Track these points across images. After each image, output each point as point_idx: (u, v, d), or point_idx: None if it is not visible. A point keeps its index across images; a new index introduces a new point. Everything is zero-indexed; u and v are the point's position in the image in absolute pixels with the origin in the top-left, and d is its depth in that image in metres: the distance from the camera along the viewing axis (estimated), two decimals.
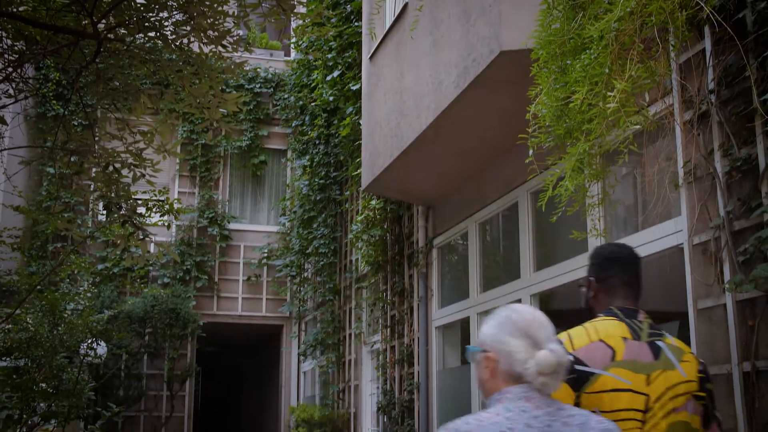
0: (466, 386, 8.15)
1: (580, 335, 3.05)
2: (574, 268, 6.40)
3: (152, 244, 5.83)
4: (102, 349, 11.37)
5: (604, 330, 3.05)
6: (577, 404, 2.84)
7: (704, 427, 3.10)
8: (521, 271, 7.28)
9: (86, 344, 7.33)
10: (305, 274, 14.52)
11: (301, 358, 14.82)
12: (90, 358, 8.02)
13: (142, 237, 5.53)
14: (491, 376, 2.52)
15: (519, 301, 7.22)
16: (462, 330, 8.86)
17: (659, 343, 3.08)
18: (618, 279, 3.28)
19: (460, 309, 8.48)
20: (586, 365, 2.93)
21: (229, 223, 16.25)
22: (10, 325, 6.52)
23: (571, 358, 2.79)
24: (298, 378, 15.45)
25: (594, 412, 2.69)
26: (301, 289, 14.64)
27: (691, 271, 5.02)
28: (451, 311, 8.71)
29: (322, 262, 12.88)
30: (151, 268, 15.46)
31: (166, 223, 6.14)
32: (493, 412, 2.38)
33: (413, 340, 9.41)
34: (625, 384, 2.90)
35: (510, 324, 2.55)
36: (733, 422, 4.59)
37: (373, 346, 11.14)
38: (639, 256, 3.41)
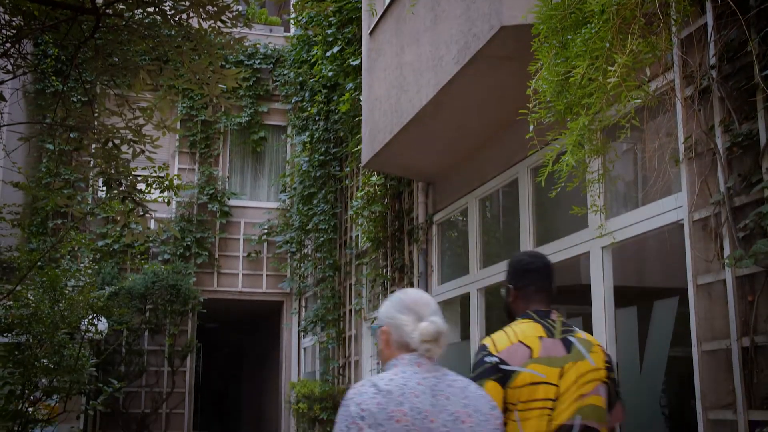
0: (465, 361, 8.18)
1: (502, 339, 3.58)
2: (574, 244, 6.41)
3: (152, 221, 5.82)
4: (103, 325, 11.40)
5: (522, 332, 3.59)
6: (504, 399, 3.40)
7: (609, 408, 3.65)
8: (521, 247, 7.28)
9: (87, 320, 7.34)
10: (305, 251, 14.53)
11: (302, 334, 14.86)
12: (91, 334, 8.04)
13: (142, 213, 5.52)
14: (386, 346, 3.05)
15: None
16: (462, 306, 8.88)
17: (571, 338, 3.63)
18: (533, 286, 3.84)
19: (460, 285, 8.50)
20: (508, 364, 3.46)
21: (229, 199, 16.25)
22: (11, 302, 6.53)
23: (495, 359, 3.46)
24: (299, 354, 15.50)
25: (515, 404, 3.40)
26: (302, 265, 14.66)
27: (691, 247, 5.03)
28: (451, 287, 8.72)
29: (322, 239, 12.88)
30: (151, 244, 15.47)
31: (166, 200, 6.13)
32: (391, 373, 2.89)
33: None
34: (540, 378, 3.44)
35: (399, 303, 3.11)
36: (732, 397, 4.62)
37: (373, 322, 11.17)
38: (551, 264, 4.03)
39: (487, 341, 3.60)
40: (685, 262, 5.09)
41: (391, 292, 10.04)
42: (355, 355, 11.76)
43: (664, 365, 5.36)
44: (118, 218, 5.59)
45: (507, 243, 8.03)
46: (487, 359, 3.50)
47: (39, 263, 6.42)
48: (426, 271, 9.23)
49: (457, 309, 9.03)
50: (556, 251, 6.70)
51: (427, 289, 9.15)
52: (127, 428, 14.72)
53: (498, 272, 7.69)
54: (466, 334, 8.63)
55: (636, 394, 5.58)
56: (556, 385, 3.46)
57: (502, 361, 3.47)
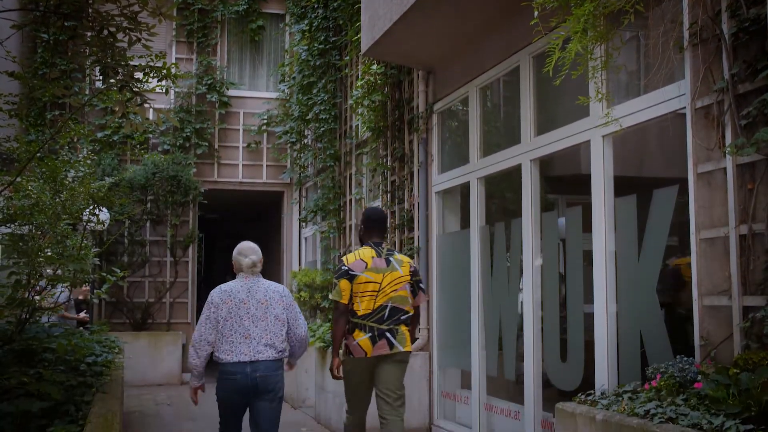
0: (465, 250, 8.27)
1: (351, 257, 6.37)
2: (574, 133, 6.38)
3: (151, 111, 5.77)
4: (104, 215, 11.47)
5: (362, 253, 6.37)
6: (351, 289, 6.21)
7: (413, 296, 6.43)
8: (522, 136, 7.26)
9: (88, 211, 7.37)
10: (305, 141, 14.48)
11: (302, 224, 14.96)
12: (93, 225, 8.09)
13: (140, 102, 5.47)
14: (236, 270, 5.94)
15: (519, 166, 7.23)
16: (462, 195, 8.91)
17: (390, 258, 6.39)
18: (374, 227, 6.54)
19: (460, 174, 8.51)
20: (353, 271, 6.24)
21: (227, 89, 16.11)
22: (11, 194, 6.55)
23: (346, 268, 6.25)
24: (300, 243, 15.65)
25: (356, 293, 6.20)
26: (302, 155, 14.63)
27: (693, 135, 5.01)
28: (451, 176, 8.73)
29: (322, 128, 12.82)
30: (150, 135, 15.42)
31: (164, 89, 6.06)
32: (232, 282, 5.83)
33: (413, 205, 9.48)
34: (370, 279, 6.23)
35: (237, 249, 6.00)
36: (727, 284, 4.68)
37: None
38: (385, 215, 6.71)
39: (344, 258, 6.39)
40: (686, 151, 5.08)
41: (392, 181, 10.07)
42: (356, 245, 11.87)
43: (661, 254, 5.41)
44: (117, 108, 5.54)
45: (507, 132, 8.00)
46: (343, 268, 6.31)
47: (38, 154, 6.40)
48: (426, 161, 9.22)
49: (457, 198, 9.07)
50: (557, 140, 6.68)
51: (426, 178, 9.16)
52: (131, 317, 15.00)
53: (498, 161, 7.69)
54: (465, 223, 8.69)
55: (633, 283, 5.65)
56: (379, 283, 6.26)
57: (350, 269, 6.27)
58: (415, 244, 9.35)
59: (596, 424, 4.65)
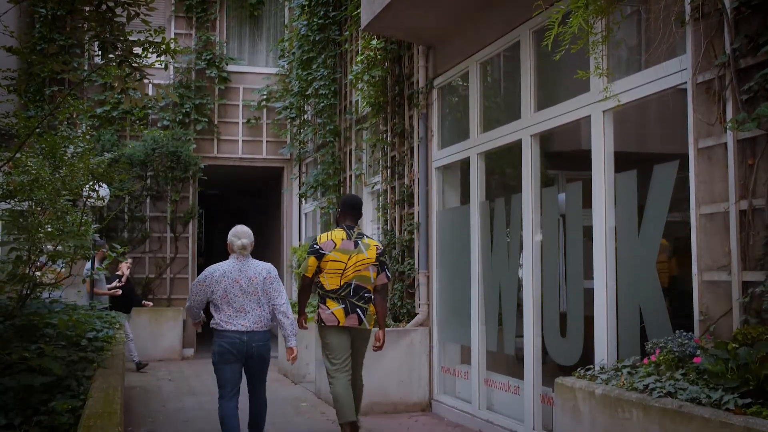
0: (465, 225, 8.27)
1: (323, 237, 7.09)
2: (575, 108, 6.36)
3: (150, 86, 5.75)
4: (104, 191, 11.47)
5: (334, 234, 7.08)
6: (318, 266, 6.99)
7: (378, 276, 7.11)
8: (522, 111, 7.24)
9: (88, 186, 7.36)
10: (305, 116, 14.45)
11: (302, 199, 14.96)
12: (92, 201, 8.08)
13: (139, 78, 5.45)
14: (229, 250, 6.61)
15: (519, 141, 7.21)
16: (462, 171, 8.90)
17: (359, 241, 7.06)
18: (349, 212, 7.23)
19: (460, 150, 8.50)
20: (323, 250, 6.97)
21: (227, 65, 16.04)
22: (11, 170, 6.54)
23: (317, 247, 6.98)
24: (300, 219, 15.65)
25: (324, 270, 6.96)
26: (301, 131, 14.60)
27: (693, 110, 5.00)
28: (451, 152, 8.72)
29: (322, 104, 12.79)
30: (150, 110, 15.37)
31: (163, 64, 6.04)
32: (226, 262, 6.50)
33: (413, 180, 9.47)
34: (337, 258, 6.96)
35: (231, 232, 6.61)
36: (727, 259, 4.69)
37: (373, 187, 11.23)
38: (360, 201, 7.41)
39: (317, 238, 7.14)
40: (687, 127, 5.07)
41: (392, 157, 10.05)
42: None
43: (661, 230, 5.41)
44: (116, 84, 5.52)
45: (508, 107, 7.97)
46: (314, 246, 7.08)
47: (38, 130, 6.38)
48: (426, 136, 9.20)
49: (457, 174, 9.06)
50: (557, 115, 6.66)
51: (426, 153, 9.15)
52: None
53: (499, 137, 7.67)
54: (465, 199, 8.69)
55: (632, 258, 5.66)
56: (345, 263, 6.99)
57: (321, 248, 7.02)
58: (415, 219, 9.35)
59: (595, 398, 4.67)
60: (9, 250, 6.25)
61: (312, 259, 7.00)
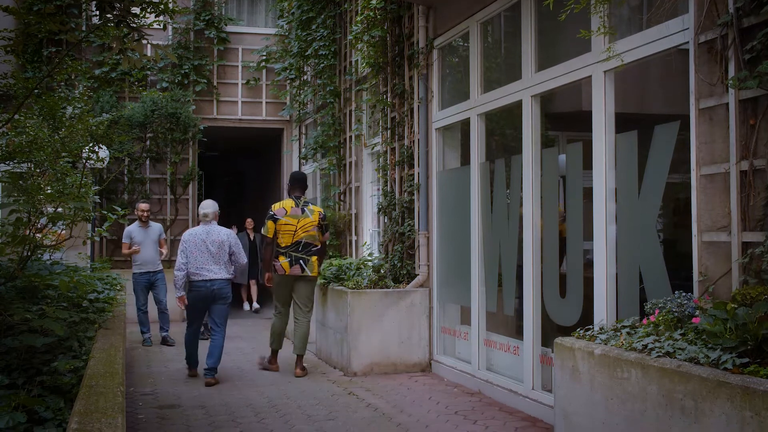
0: (465, 187, 8.26)
1: (276, 205, 9.14)
2: (576, 68, 6.33)
3: (149, 47, 5.71)
4: (104, 152, 11.44)
5: (285, 203, 9.10)
6: (275, 228, 9.01)
7: (322, 234, 9.19)
8: (522, 72, 7.20)
9: (87, 148, 7.34)
10: (305, 77, 14.37)
11: (302, 161, 14.93)
12: (92, 163, 8.06)
13: (137, 38, 5.40)
14: (201, 221, 8.92)
15: (519, 102, 7.18)
16: (462, 131, 8.88)
17: (305, 208, 9.06)
18: (296, 185, 9.25)
19: (460, 110, 8.46)
20: (277, 216, 8.99)
21: (226, 25, 15.92)
22: (9, 131, 6.51)
23: (272, 213, 9.07)
24: None
25: (279, 231, 9.03)
26: (301, 92, 14.53)
27: (695, 70, 4.97)
28: (451, 113, 8.69)
29: (321, 65, 12.71)
30: (148, 72, 15.29)
31: (161, 24, 5.98)
32: (198, 227, 8.88)
33: (413, 141, 9.45)
34: (288, 222, 8.99)
35: (200, 204, 8.98)
36: (727, 220, 4.69)
37: (373, 148, 11.20)
38: (305, 176, 9.51)
39: (272, 206, 9.12)
40: (688, 87, 5.04)
41: (392, 118, 10.02)
42: (356, 182, 11.87)
43: (662, 190, 5.41)
44: (114, 44, 5.47)
45: (508, 68, 7.93)
46: (270, 212, 9.07)
47: (36, 91, 6.34)
48: (426, 97, 9.16)
49: (457, 135, 9.04)
50: (558, 75, 6.62)
51: (426, 114, 9.12)
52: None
53: (499, 97, 7.64)
54: (465, 160, 8.67)
55: (632, 219, 5.66)
56: (294, 225, 8.95)
57: (275, 214, 8.99)
58: (415, 180, 9.34)
59: (595, 358, 4.70)
60: (9, 212, 6.24)
61: (270, 223, 9.05)
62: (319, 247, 9.18)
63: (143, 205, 11.93)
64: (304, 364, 9.13)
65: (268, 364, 9.38)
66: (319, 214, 9.17)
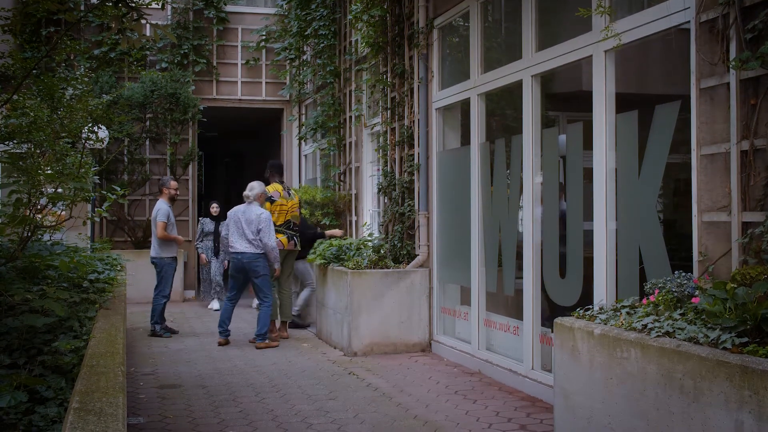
0: (466, 167, 8.25)
1: (272, 188, 10.39)
2: (576, 48, 6.30)
3: (148, 27, 5.68)
4: (103, 133, 11.41)
5: (276, 187, 10.46)
6: (271, 208, 10.14)
7: (300, 212, 10.86)
8: (522, 52, 7.17)
9: (87, 128, 7.32)
10: (304, 57, 14.32)
11: (302, 141, 14.91)
12: (92, 143, 8.04)
13: (136, 18, 5.38)
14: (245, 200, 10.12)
15: (520, 82, 7.17)
16: (462, 111, 8.86)
17: (290, 192, 10.61)
18: (275, 172, 10.81)
19: (460, 90, 8.44)
20: (273, 198, 10.29)
21: (225, 5, 15.84)
22: (8, 112, 6.49)
23: (269, 194, 10.26)
24: (299, 161, 15.62)
25: (275, 211, 10.19)
26: (301, 72, 14.49)
27: (696, 50, 4.95)
28: (451, 93, 8.67)
29: (321, 45, 12.66)
30: (148, 52, 15.24)
31: (160, 4, 5.96)
32: (240, 205, 10.04)
33: (413, 121, 9.43)
34: (282, 203, 10.35)
35: (248, 185, 10.13)
36: (727, 200, 4.69)
37: (373, 128, 11.19)
38: (282, 163, 12.07)
39: (267, 188, 10.22)
40: (689, 67, 5.03)
41: (392, 98, 9.99)
42: (356, 162, 11.86)
43: (662, 171, 5.40)
44: (113, 24, 5.44)
45: (508, 48, 7.90)
46: (268, 194, 10.15)
47: (34, 71, 6.32)
48: (426, 77, 9.13)
49: (457, 115, 9.02)
50: (558, 55, 6.60)
51: (427, 94, 9.09)
52: (132, 235, 15.08)
53: (499, 77, 7.62)
54: (466, 140, 8.66)
55: (633, 199, 5.66)
56: (287, 206, 10.34)
57: (272, 196, 10.24)
58: (415, 160, 9.33)
59: (594, 338, 4.71)
60: (9, 193, 6.24)
61: (267, 204, 10.14)
62: (298, 225, 10.61)
63: (175, 183, 11.60)
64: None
65: (279, 332, 10.38)
66: (298, 199, 10.87)
